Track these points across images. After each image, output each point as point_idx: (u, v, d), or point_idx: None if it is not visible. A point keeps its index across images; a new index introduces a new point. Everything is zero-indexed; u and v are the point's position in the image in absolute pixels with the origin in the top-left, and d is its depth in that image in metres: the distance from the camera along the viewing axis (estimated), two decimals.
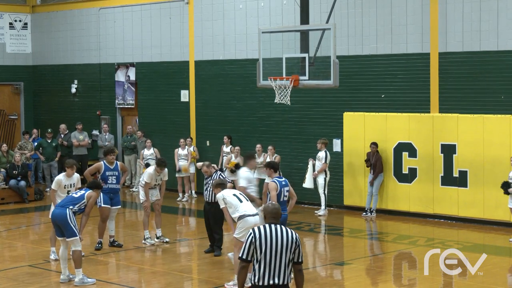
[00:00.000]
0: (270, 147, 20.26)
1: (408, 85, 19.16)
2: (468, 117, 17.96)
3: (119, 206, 15.94)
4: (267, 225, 8.09)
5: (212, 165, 15.38)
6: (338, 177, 19.96)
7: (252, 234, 8.01)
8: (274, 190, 12.96)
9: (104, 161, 15.74)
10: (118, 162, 15.98)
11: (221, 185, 13.35)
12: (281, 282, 7.97)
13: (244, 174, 14.18)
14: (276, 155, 20.24)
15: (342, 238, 17.55)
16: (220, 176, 14.94)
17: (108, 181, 15.45)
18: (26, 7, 27.49)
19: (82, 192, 13.44)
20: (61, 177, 14.63)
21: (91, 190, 13.49)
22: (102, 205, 15.39)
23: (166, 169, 16.02)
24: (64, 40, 26.68)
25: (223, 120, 22.56)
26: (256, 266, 8.00)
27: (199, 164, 15.83)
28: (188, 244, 16.84)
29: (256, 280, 7.99)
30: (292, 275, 8.20)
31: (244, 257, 8.01)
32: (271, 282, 7.95)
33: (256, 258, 7.98)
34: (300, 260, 8.10)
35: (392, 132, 19.06)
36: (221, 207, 12.99)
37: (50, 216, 14.26)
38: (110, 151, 15.91)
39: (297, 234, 8.12)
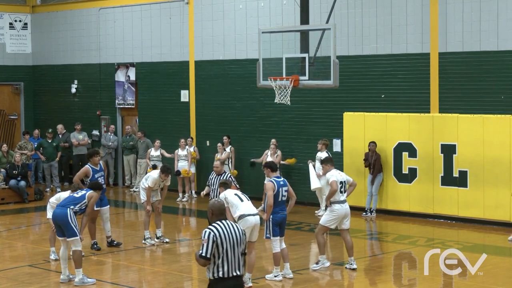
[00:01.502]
0: (272, 146, 20.09)
1: (408, 85, 19.16)
2: (468, 117, 17.96)
3: (108, 206, 15.91)
4: (220, 222, 8.41)
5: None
6: None
7: (213, 233, 8.28)
8: (271, 190, 12.95)
9: (90, 164, 15.68)
10: (100, 162, 15.99)
11: (225, 185, 13.36)
12: (240, 273, 8.42)
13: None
14: (277, 154, 20.03)
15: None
16: (231, 177, 14.91)
17: None
18: (26, 7, 27.47)
19: (83, 192, 13.48)
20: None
21: (92, 190, 13.54)
22: None
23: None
24: (64, 40, 26.67)
25: (223, 120, 22.55)
26: (219, 262, 8.29)
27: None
28: (188, 244, 16.84)
29: (220, 275, 8.30)
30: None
31: (208, 255, 8.26)
32: (234, 274, 8.35)
33: (218, 255, 8.27)
34: (246, 251, 8.69)
35: (392, 132, 19.05)
36: None
37: (47, 217, 14.31)
38: (95, 153, 15.85)
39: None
